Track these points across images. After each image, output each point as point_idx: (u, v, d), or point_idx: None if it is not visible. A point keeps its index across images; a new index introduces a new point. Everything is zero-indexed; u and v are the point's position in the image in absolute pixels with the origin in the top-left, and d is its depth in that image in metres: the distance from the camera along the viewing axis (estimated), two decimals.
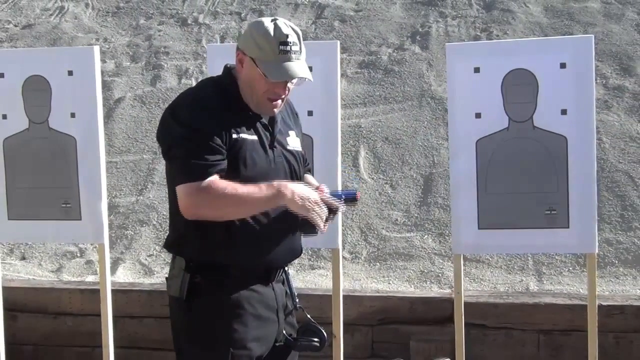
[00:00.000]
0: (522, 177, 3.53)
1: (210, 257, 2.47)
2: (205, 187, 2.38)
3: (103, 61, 7.47)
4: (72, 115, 3.79)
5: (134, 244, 5.76)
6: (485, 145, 3.54)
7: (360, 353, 4.48)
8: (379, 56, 7.40)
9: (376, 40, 7.65)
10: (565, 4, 7.83)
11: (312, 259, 5.42)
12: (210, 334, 2.48)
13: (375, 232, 5.63)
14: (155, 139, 2.59)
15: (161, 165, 6.25)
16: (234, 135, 2.43)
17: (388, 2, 8.23)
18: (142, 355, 4.65)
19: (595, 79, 5.15)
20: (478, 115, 3.55)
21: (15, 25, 8.70)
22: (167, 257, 2.47)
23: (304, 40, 2.51)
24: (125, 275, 5.40)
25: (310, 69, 2.53)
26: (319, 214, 2.45)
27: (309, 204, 2.43)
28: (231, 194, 2.38)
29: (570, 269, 5.12)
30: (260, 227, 2.47)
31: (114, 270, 5.39)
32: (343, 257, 5.03)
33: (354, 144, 6.44)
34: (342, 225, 4.62)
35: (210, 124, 2.41)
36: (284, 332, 2.60)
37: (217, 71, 2.62)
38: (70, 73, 3.79)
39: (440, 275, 5.15)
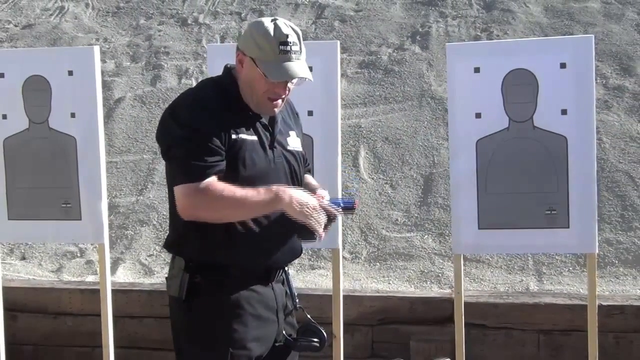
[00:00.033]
0: (522, 177, 3.53)
1: (210, 257, 2.47)
2: (203, 189, 2.38)
3: (103, 61, 7.47)
4: (72, 115, 3.79)
5: (134, 244, 5.76)
6: (485, 145, 3.54)
7: (360, 353, 4.48)
8: (379, 56, 7.40)
9: (376, 40, 7.66)
10: (565, 4, 7.83)
11: (312, 259, 5.42)
12: (210, 334, 2.48)
13: (376, 232, 5.63)
14: (155, 139, 2.59)
15: (161, 165, 6.25)
16: (233, 136, 2.43)
17: (388, 2, 8.23)
18: (142, 355, 4.65)
19: (596, 79, 5.15)
20: (478, 115, 3.55)
21: (16, 25, 8.71)
22: (167, 257, 2.47)
23: (304, 40, 2.51)
24: (126, 275, 5.40)
25: (311, 69, 2.53)
26: (317, 221, 2.45)
27: (307, 210, 2.43)
28: (228, 196, 2.38)
29: (571, 269, 5.12)
30: (260, 227, 2.47)
31: (114, 270, 5.39)
32: (343, 257, 5.03)
33: (354, 144, 6.44)
34: (342, 225, 4.62)
35: (210, 125, 2.41)
36: (284, 332, 2.60)
37: (217, 71, 2.62)
38: (70, 73, 3.79)
39: (440, 275, 5.15)
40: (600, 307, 3.85)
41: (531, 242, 3.60)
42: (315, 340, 2.64)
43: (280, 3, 8.48)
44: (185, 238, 2.51)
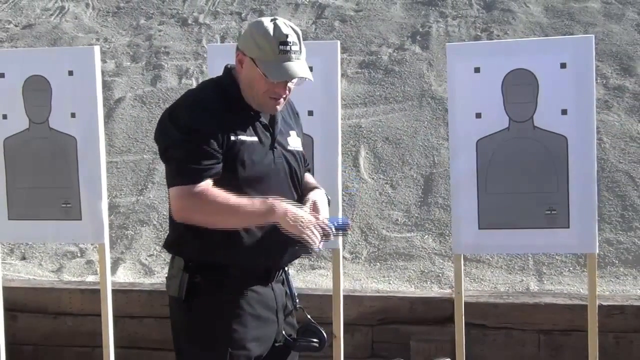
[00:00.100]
0: (523, 177, 3.53)
1: (210, 257, 2.47)
2: (197, 192, 2.38)
3: (103, 61, 7.47)
4: (73, 115, 3.79)
5: (134, 244, 5.76)
6: (485, 145, 3.54)
7: (360, 353, 4.48)
8: (379, 56, 7.40)
9: (376, 40, 7.65)
10: (566, 4, 7.83)
11: (312, 259, 5.42)
12: (210, 334, 2.48)
13: (376, 232, 5.63)
14: (153, 139, 2.60)
15: (161, 166, 6.25)
16: (232, 138, 2.42)
17: (388, 2, 8.23)
18: (142, 355, 4.65)
19: (596, 79, 5.15)
20: (478, 115, 3.55)
21: (16, 25, 8.71)
22: (167, 257, 2.46)
23: (304, 40, 2.51)
24: (126, 275, 5.40)
25: (311, 69, 2.53)
26: (311, 237, 2.43)
27: (301, 225, 2.42)
28: (222, 202, 2.38)
29: (571, 269, 5.12)
30: (260, 228, 2.47)
31: (114, 270, 5.39)
32: (343, 257, 5.02)
33: (354, 144, 6.44)
34: None
35: (210, 125, 2.41)
36: (284, 332, 2.60)
37: (218, 71, 2.62)
38: (70, 73, 3.79)
39: (440, 275, 5.15)
40: (601, 307, 3.85)
41: (531, 242, 3.60)
42: (315, 340, 2.64)
43: (280, 3, 8.48)
44: (185, 238, 2.50)
